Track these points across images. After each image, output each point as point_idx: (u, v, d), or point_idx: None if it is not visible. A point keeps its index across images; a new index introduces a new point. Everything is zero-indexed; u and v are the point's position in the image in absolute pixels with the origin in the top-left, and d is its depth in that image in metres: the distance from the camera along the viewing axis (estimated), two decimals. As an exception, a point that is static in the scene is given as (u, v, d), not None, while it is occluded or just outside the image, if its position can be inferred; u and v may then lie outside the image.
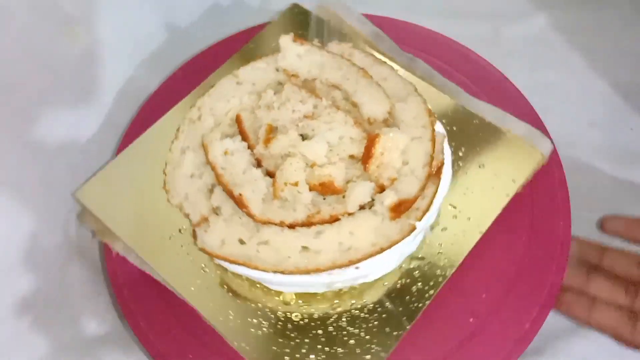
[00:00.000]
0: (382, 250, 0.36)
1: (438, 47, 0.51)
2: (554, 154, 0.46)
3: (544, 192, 0.44)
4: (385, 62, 0.43)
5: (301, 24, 0.50)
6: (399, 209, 0.36)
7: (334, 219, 0.36)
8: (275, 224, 0.37)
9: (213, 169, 0.39)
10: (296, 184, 0.37)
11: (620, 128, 0.51)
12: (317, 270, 0.35)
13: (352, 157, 0.38)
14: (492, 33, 0.57)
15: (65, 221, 0.44)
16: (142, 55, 0.52)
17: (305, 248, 0.36)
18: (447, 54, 0.49)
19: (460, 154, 0.44)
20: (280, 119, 0.40)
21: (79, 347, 0.40)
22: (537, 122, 0.47)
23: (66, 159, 0.45)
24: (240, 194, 0.37)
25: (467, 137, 0.44)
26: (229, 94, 0.42)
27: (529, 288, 0.41)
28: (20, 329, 0.38)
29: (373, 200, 0.37)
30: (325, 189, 0.37)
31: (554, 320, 0.41)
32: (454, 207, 0.42)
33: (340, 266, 0.35)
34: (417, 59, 0.48)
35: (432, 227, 0.41)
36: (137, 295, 0.41)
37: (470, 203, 0.42)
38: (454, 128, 0.45)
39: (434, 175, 0.38)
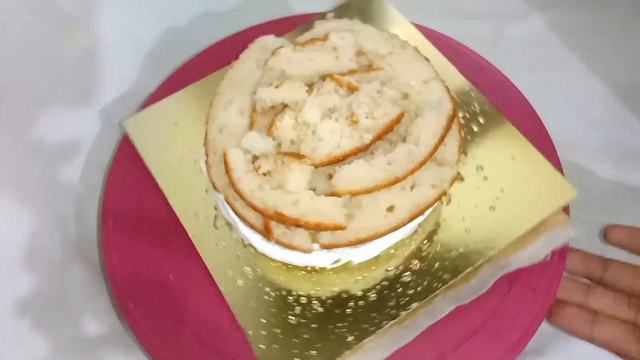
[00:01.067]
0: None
1: (438, 47, 0.51)
2: (554, 153, 0.46)
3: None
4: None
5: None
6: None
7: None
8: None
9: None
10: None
11: (620, 128, 0.51)
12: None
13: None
14: (492, 33, 0.57)
15: (65, 221, 0.44)
16: (142, 55, 0.52)
17: None
18: (447, 54, 0.49)
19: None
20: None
21: (79, 347, 0.40)
22: (537, 122, 0.47)
23: (66, 159, 0.45)
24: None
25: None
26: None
27: (524, 292, 0.41)
28: (20, 329, 0.38)
29: None
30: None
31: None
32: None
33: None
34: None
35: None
36: (137, 295, 0.41)
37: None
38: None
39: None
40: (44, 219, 0.41)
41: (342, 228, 0.36)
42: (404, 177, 0.37)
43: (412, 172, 0.37)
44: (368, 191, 0.36)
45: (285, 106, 0.40)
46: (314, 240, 0.37)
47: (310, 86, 0.40)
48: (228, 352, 0.39)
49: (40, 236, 0.40)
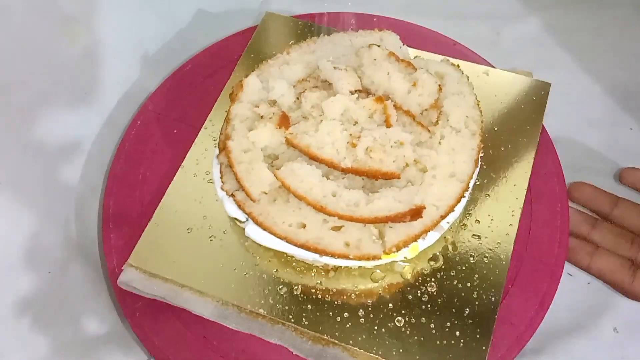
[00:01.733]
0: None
1: (438, 47, 0.51)
2: (553, 153, 0.46)
3: (543, 192, 0.44)
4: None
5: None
6: None
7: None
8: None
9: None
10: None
11: (620, 128, 0.51)
12: None
13: None
14: (492, 33, 0.57)
15: (65, 221, 0.44)
16: (142, 55, 0.52)
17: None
18: (447, 54, 0.49)
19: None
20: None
21: (79, 347, 0.40)
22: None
23: (66, 159, 0.45)
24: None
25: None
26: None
27: (525, 287, 0.41)
28: (20, 329, 0.38)
29: None
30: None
31: (553, 320, 0.41)
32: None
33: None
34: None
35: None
36: (137, 295, 0.41)
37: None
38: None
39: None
40: (44, 219, 0.41)
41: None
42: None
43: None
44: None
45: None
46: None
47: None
48: (229, 352, 0.39)
49: (40, 236, 0.40)
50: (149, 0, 0.51)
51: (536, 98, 0.47)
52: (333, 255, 0.37)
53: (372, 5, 0.55)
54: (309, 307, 0.39)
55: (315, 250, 0.37)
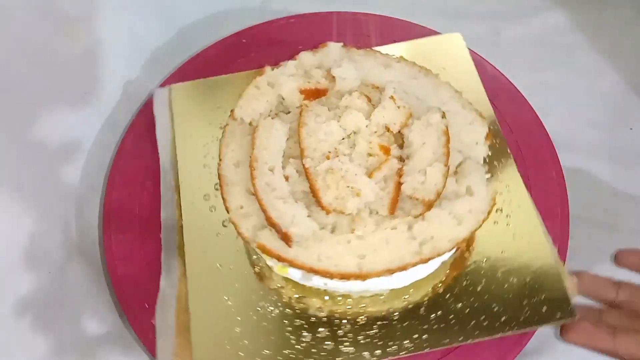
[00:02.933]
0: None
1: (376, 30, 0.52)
2: (553, 153, 0.46)
3: (543, 192, 0.44)
4: None
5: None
6: None
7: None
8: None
9: None
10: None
11: (620, 128, 0.51)
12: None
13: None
14: (492, 33, 0.57)
15: (65, 221, 0.44)
16: (142, 55, 0.52)
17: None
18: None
19: None
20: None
21: (79, 347, 0.40)
22: (537, 122, 0.47)
23: (66, 159, 0.45)
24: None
25: None
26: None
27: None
28: (20, 329, 0.38)
29: None
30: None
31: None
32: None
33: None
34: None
35: None
36: (137, 295, 0.41)
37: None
38: None
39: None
40: (45, 219, 0.41)
41: None
42: None
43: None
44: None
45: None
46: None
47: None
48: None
49: (40, 236, 0.40)
50: (149, 0, 0.51)
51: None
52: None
53: (372, 5, 0.55)
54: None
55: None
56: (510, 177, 0.43)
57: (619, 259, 0.40)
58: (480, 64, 0.50)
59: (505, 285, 0.39)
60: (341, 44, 0.44)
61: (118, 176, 0.46)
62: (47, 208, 0.42)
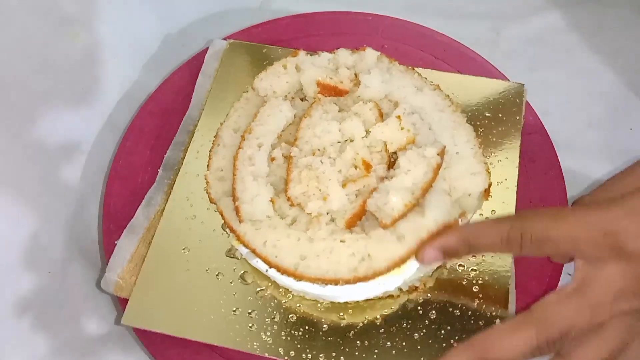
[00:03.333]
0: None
1: (438, 47, 0.51)
2: (553, 153, 0.46)
3: (543, 192, 0.44)
4: None
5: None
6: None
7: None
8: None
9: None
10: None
11: (620, 128, 0.51)
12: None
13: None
14: (492, 33, 0.57)
15: (65, 221, 0.44)
16: (142, 55, 0.52)
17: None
18: (447, 54, 0.49)
19: None
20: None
21: (79, 347, 0.40)
22: (537, 122, 0.47)
23: (66, 159, 0.45)
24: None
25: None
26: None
27: (525, 288, 0.40)
28: (20, 329, 0.38)
29: None
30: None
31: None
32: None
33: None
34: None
35: None
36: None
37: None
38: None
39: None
40: (44, 219, 0.41)
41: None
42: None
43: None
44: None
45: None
46: None
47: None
48: (228, 351, 0.39)
49: (40, 236, 0.40)
50: (149, 0, 0.51)
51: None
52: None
53: (372, 5, 0.55)
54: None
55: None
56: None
57: None
58: (480, 63, 0.51)
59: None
60: (378, 52, 0.43)
61: (118, 176, 0.46)
62: (46, 208, 0.42)
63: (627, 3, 0.58)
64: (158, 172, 0.46)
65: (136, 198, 0.45)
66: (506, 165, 0.44)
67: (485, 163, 0.39)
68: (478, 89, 0.47)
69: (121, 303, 0.41)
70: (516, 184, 0.43)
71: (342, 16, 0.54)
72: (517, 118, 0.46)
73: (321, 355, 0.38)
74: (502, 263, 0.40)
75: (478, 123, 0.45)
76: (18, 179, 0.40)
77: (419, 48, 0.50)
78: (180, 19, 0.55)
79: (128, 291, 0.40)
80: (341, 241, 0.36)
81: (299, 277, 0.36)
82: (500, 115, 0.46)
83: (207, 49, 0.51)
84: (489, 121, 0.46)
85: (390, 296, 0.39)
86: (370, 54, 0.43)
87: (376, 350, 0.38)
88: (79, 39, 0.45)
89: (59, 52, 0.43)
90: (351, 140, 0.39)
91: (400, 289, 0.39)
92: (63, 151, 0.44)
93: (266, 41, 0.52)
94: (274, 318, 0.39)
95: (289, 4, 0.58)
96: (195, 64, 0.51)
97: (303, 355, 0.38)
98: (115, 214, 0.45)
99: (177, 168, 0.45)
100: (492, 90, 0.47)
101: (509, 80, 0.49)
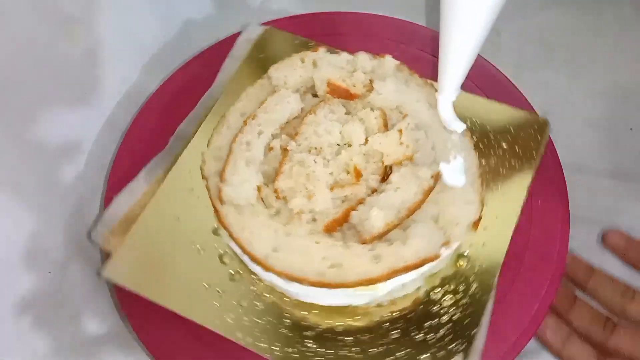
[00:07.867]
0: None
1: (438, 47, 0.51)
2: (554, 153, 0.46)
3: (542, 192, 0.44)
4: None
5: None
6: None
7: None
8: None
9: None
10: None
11: (620, 128, 0.51)
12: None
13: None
14: (492, 33, 0.57)
15: (65, 221, 0.44)
16: (142, 55, 0.52)
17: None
18: (476, 74, 0.48)
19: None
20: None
21: (79, 347, 0.41)
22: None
23: (66, 159, 0.45)
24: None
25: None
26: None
27: (524, 291, 0.41)
28: (20, 329, 0.38)
29: None
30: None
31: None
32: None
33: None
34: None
35: None
36: (137, 295, 0.41)
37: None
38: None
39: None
40: (44, 219, 0.41)
41: None
42: None
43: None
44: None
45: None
46: None
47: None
48: (230, 351, 0.39)
49: (40, 236, 0.40)
50: (149, 0, 0.51)
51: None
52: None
53: (372, 5, 0.55)
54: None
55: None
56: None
57: (605, 237, 0.43)
58: (480, 63, 0.50)
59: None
60: (398, 61, 0.43)
61: (118, 176, 0.46)
62: (46, 208, 0.42)
63: (627, 3, 0.58)
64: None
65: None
66: (510, 202, 0.41)
67: (482, 194, 0.39)
68: (499, 116, 0.45)
69: (118, 298, 0.41)
70: (515, 222, 0.41)
71: (341, 16, 0.54)
72: (534, 155, 0.43)
73: (277, 347, 0.37)
74: (480, 299, 0.38)
75: (492, 152, 0.43)
76: (18, 179, 0.40)
77: (419, 48, 0.50)
78: (180, 20, 0.55)
79: (115, 248, 0.40)
80: (317, 242, 0.36)
81: (267, 268, 0.36)
82: (516, 149, 0.43)
83: (204, 49, 0.52)
84: (503, 153, 0.43)
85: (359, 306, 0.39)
86: (389, 62, 0.43)
87: (331, 356, 0.37)
88: (79, 39, 0.45)
89: (59, 52, 0.43)
90: (349, 145, 0.39)
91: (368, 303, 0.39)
92: (63, 151, 0.44)
93: (304, 33, 0.51)
94: (240, 302, 0.39)
95: (289, 4, 0.58)
96: (196, 64, 0.52)
97: (258, 343, 0.37)
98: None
99: (187, 140, 0.45)
100: (514, 120, 0.44)
101: (533, 109, 0.46)
